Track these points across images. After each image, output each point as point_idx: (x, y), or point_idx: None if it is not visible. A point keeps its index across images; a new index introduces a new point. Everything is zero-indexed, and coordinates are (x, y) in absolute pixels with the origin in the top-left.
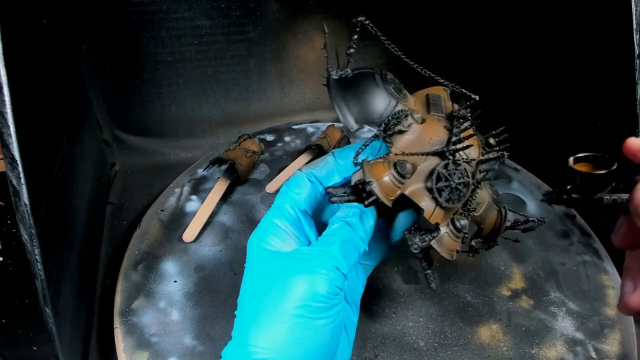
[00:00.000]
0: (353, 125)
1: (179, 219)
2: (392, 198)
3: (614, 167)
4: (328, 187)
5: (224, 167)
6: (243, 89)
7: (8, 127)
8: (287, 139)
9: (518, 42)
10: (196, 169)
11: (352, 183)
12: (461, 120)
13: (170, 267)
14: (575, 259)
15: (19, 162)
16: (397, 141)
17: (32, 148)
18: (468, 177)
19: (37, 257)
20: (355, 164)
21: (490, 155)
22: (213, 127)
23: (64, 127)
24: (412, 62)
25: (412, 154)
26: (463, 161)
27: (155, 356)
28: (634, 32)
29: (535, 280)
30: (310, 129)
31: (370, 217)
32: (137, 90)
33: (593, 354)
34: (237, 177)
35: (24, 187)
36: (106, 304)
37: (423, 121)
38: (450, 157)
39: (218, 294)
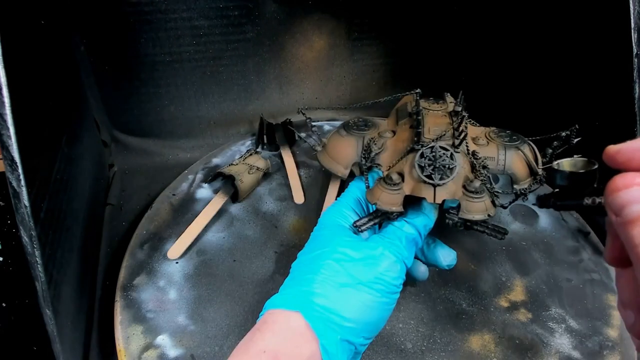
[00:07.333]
0: (345, 173)
1: (189, 204)
2: (400, 203)
3: (595, 167)
4: (355, 221)
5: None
6: (242, 89)
7: (7, 128)
8: None
9: (516, 41)
10: (211, 158)
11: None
12: (422, 111)
13: None
14: (583, 277)
15: (18, 163)
16: (382, 161)
17: (31, 149)
18: (447, 149)
19: (37, 259)
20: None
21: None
22: (212, 127)
23: (63, 128)
24: None
25: (395, 164)
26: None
27: (147, 331)
28: (632, 31)
29: (537, 294)
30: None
31: (430, 215)
32: (136, 90)
33: None
34: (236, 194)
35: (24, 188)
36: (106, 305)
37: (394, 134)
38: (418, 147)
39: (215, 278)
